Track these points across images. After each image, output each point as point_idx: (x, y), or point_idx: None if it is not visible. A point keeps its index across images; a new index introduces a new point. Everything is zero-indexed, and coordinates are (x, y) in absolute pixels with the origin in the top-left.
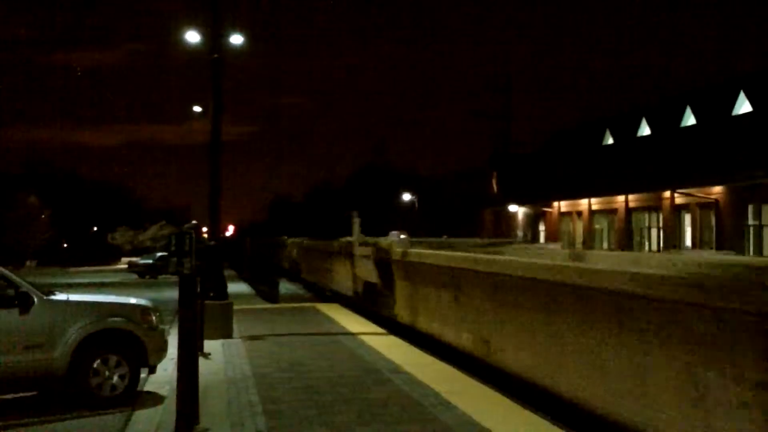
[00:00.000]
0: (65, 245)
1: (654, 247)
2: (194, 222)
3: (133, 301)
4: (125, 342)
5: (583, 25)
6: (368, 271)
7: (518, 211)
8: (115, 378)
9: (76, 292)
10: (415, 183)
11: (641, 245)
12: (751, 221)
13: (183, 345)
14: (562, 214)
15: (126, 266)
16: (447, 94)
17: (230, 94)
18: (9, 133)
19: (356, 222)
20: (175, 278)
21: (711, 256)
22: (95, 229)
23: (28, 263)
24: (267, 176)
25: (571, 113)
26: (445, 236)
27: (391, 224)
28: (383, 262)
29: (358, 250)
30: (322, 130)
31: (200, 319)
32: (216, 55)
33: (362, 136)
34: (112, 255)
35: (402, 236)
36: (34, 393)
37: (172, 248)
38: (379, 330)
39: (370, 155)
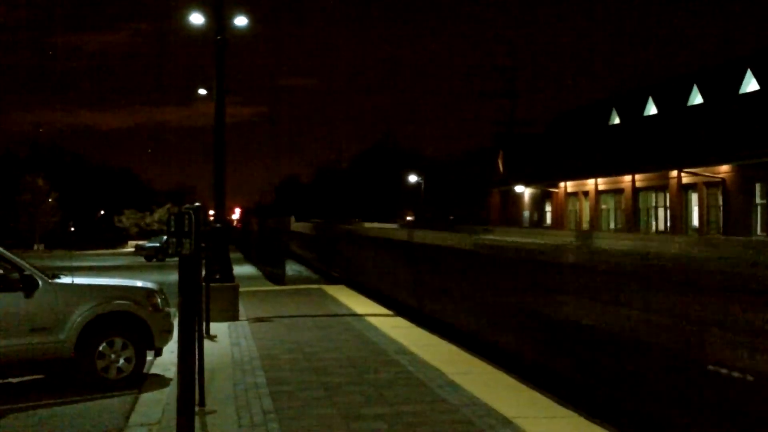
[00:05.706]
0: (72, 228)
1: (661, 227)
2: (197, 204)
3: (138, 283)
4: (131, 325)
5: (590, 3)
6: None
7: (524, 191)
8: (121, 361)
9: (82, 275)
10: (422, 164)
11: (648, 225)
12: (758, 200)
13: (183, 325)
14: (568, 195)
15: (133, 249)
16: (455, 75)
17: (240, 76)
18: (16, 116)
19: None
20: None
21: None
22: (102, 212)
23: (36, 247)
24: (275, 158)
25: (578, 93)
26: (451, 218)
27: (397, 206)
28: None
29: None
30: (330, 111)
31: (206, 302)
32: (219, 37)
33: (370, 118)
34: (119, 238)
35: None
36: (41, 376)
37: (172, 229)
38: (386, 311)
39: (377, 137)
